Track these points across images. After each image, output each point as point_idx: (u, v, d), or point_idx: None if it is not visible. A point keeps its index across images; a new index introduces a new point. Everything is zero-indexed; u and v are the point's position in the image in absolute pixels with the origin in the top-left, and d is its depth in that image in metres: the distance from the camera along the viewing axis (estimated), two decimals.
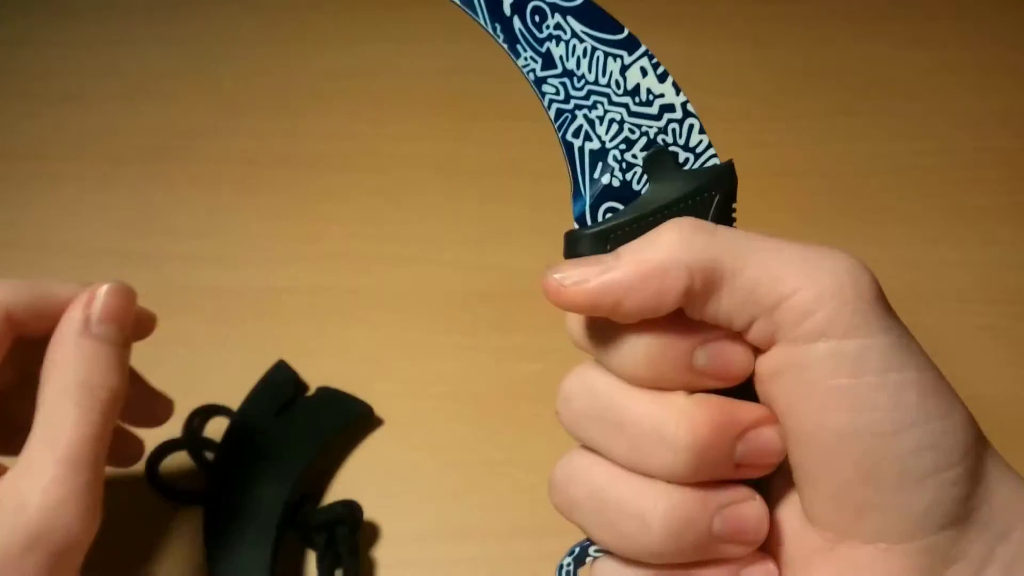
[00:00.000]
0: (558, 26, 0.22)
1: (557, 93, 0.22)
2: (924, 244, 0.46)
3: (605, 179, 0.22)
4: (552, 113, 0.22)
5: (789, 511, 0.21)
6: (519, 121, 0.52)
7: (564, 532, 0.36)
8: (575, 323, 0.22)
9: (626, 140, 0.22)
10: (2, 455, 0.28)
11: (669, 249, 0.19)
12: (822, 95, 0.53)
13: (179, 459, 0.36)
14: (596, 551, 0.22)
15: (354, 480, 0.38)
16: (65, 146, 0.50)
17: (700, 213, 0.21)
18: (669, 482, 0.20)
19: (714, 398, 0.20)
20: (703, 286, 0.19)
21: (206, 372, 0.40)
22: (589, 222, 0.22)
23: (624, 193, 0.21)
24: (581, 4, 0.22)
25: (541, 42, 0.22)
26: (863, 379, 0.19)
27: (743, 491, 0.20)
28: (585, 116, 0.22)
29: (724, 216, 0.21)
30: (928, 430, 0.18)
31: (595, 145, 0.22)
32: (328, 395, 0.39)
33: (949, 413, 0.19)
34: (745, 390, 0.20)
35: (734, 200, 0.22)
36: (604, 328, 0.21)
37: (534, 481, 0.38)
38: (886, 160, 0.50)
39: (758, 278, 0.19)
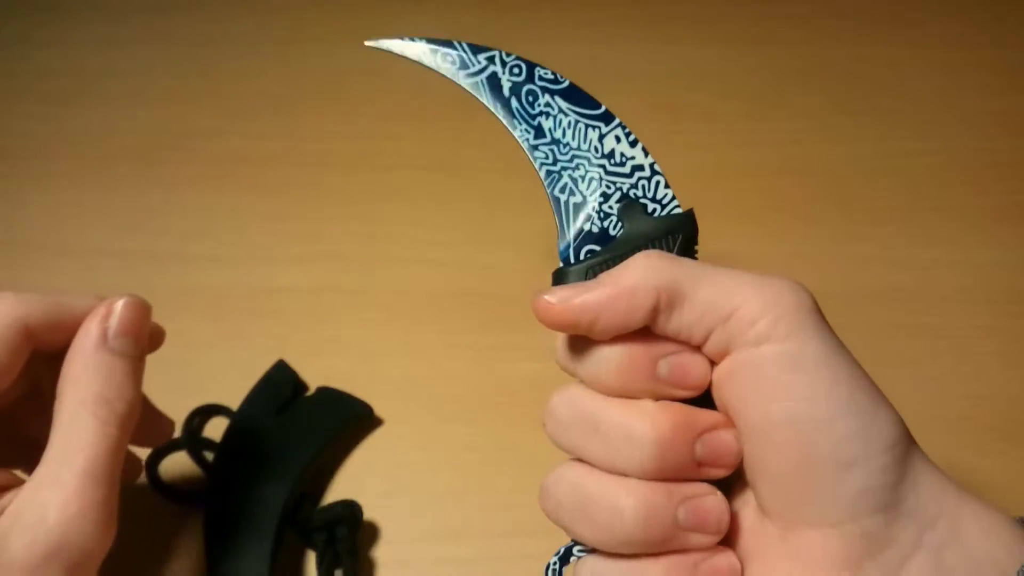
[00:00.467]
0: (548, 104, 0.27)
1: (547, 158, 0.26)
2: (923, 244, 0.46)
3: (586, 226, 0.26)
4: (542, 173, 0.26)
5: (747, 509, 0.24)
6: None
7: (563, 532, 0.36)
8: (560, 346, 0.25)
9: (603, 194, 0.26)
10: (12, 468, 0.28)
11: (639, 273, 0.23)
12: (821, 95, 0.53)
13: (179, 459, 0.36)
14: (580, 551, 0.25)
15: (354, 480, 0.38)
16: (65, 146, 0.50)
17: (666, 251, 0.25)
18: (639, 478, 0.22)
19: (677, 405, 0.23)
20: (667, 303, 0.22)
21: (206, 372, 0.40)
22: (572, 261, 0.26)
23: (602, 237, 0.26)
24: (567, 86, 0.27)
25: (534, 117, 0.27)
26: (800, 375, 0.22)
27: (705, 487, 0.23)
28: (570, 176, 0.26)
29: (687, 254, 0.25)
30: (857, 421, 0.21)
31: (578, 199, 0.26)
32: (328, 395, 0.39)
33: (876, 409, 0.22)
34: (705, 403, 0.24)
35: (695, 242, 0.26)
36: (582, 346, 0.24)
37: (534, 481, 0.37)
38: (885, 160, 0.50)
39: (713, 295, 0.22)
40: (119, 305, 0.27)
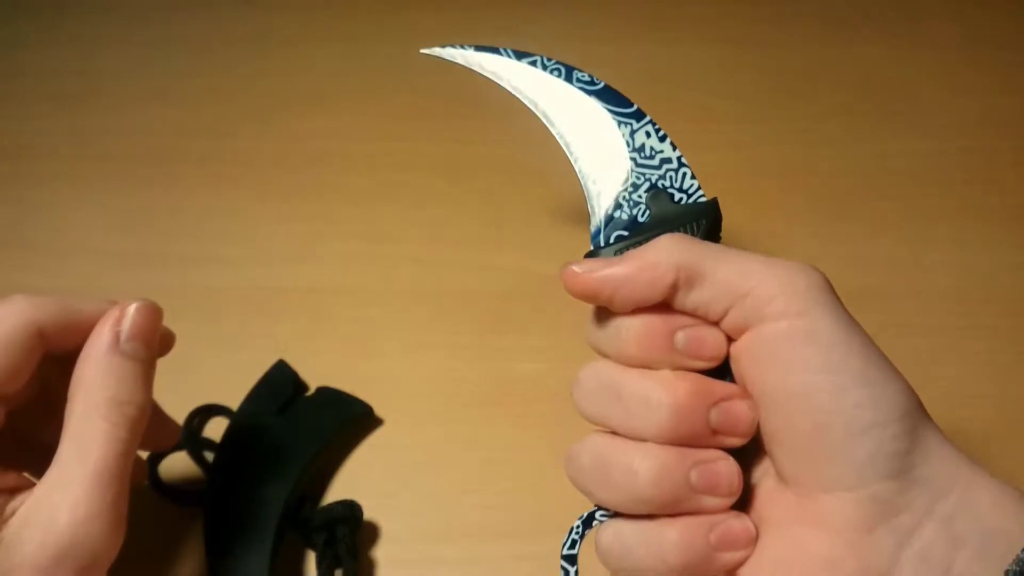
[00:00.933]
0: None
1: None
2: (923, 244, 0.46)
3: (616, 213, 0.28)
4: (578, 167, 0.29)
5: (765, 478, 0.25)
6: (519, 121, 0.52)
7: (564, 532, 0.36)
8: (589, 322, 0.27)
9: (633, 184, 0.28)
10: (22, 470, 0.28)
11: (662, 251, 0.24)
12: (820, 96, 0.53)
13: (179, 459, 0.36)
14: (602, 515, 0.26)
15: (354, 480, 0.38)
16: (66, 146, 0.50)
17: (690, 235, 0.26)
18: (656, 443, 0.24)
19: (694, 374, 0.25)
20: (686, 280, 0.24)
21: (206, 372, 0.40)
22: (603, 244, 0.28)
23: (630, 224, 0.28)
24: (603, 87, 0.31)
25: None
26: (815, 348, 0.23)
27: (717, 452, 0.24)
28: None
29: (711, 239, 0.27)
30: (869, 391, 0.22)
31: (610, 188, 0.28)
32: (328, 395, 0.39)
33: (888, 380, 0.23)
34: (724, 376, 0.25)
35: (719, 229, 0.27)
36: (606, 318, 0.26)
37: (534, 481, 0.38)
38: (884, 160, 0.50)
39: (731, 275, 0.24)
40: (131, 309, 0.27)
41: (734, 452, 0.25)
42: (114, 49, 0.56)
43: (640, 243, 0.26)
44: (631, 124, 0.29)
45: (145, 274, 0.44)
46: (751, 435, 0.25)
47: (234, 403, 0.38)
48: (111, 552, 0.25)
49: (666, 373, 0.24)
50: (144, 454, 0.35)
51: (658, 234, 0.26)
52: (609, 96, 0.30)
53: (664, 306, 0.25)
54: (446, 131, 0.51)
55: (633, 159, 0.29)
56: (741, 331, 0.24)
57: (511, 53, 0.30)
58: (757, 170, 0.49)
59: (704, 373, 0.25)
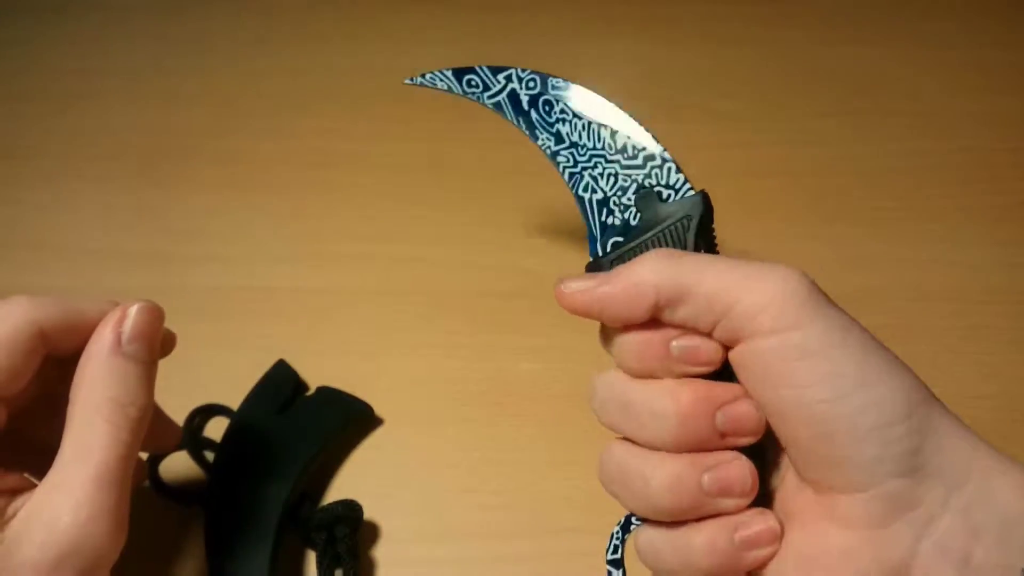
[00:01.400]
0: (563, 111, 0.29)
1: (568, 161, 0.29)
2: (923, 243, 0.46)
3: (609, 220, 0.28)
4: (565, 176, 0.29)
5: (789, 472, 0.26)
6: None
7: (563, 532, 0.36)
8: (599, 331, 0.27)
9: (621, 187, 0.28)
10: (23, 471, 0.28)
11: (641, 272, 0.24)
12: (821, 95, 0.53)
13: (179, 459, 0.36)
14: (636, 520, 0.27)
15: (354, 480, 0.38)
16: (65, 146, 0.50)
17: (681, 234, 0.27)
18: (667, 451, 0.24)
19: (697, 380, 0.25)
20: (667, 300, 0.24)
21: (206, 372, 0.40)
22: (600, 253, 0.28)
23: (624, 228, 0.28)
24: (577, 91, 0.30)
25: (552, 125, 0.29)
26: (807, 361, 0.23)
27: (729, 454, 0.25)
28: (590, 175, 0.29)
29: (704, 233, 0.27)
30: (869, 394, 0.22)
31: (599, 196, 0.28)
32: (328, 395, 0.39)
33: (889, 379, 0.23)
34: (728, 378, 0.25)
35: (711, 222, 0.27)
36: (608, 332, 0.26)
37: (534, 481, 0.38)
38: (885, 160, 0.50)
39: (713, 290, 0.24)
40: (133, 310, 0.27)
41: (754, 449, 0.25)
42: (114, 49, 0.56)
43: (635, 250, 0.27)
44: (610, 125, 0.29)
45: (145, 274, 0.44)
46: (760, 433, 0.25)
47: (234, 403, 0.38)
48: (113, 554, 0.25)
49: (668, 383, 0.25)
50: (144, 455, 0.35)
51: (649, 240, 0.26)
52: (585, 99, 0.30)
53: (657, 320, 0.25)
54: (446, 131, 0.51)
55: (617, 161, 0.28)
56: (733, 342, 0.24)
57: (486, 71, 0.30)
58: (757, 170, 0.49)
59: (710, 376, 0.25)
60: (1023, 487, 0.22)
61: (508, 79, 0.30)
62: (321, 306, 0.43)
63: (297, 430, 0.37)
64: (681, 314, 0.24)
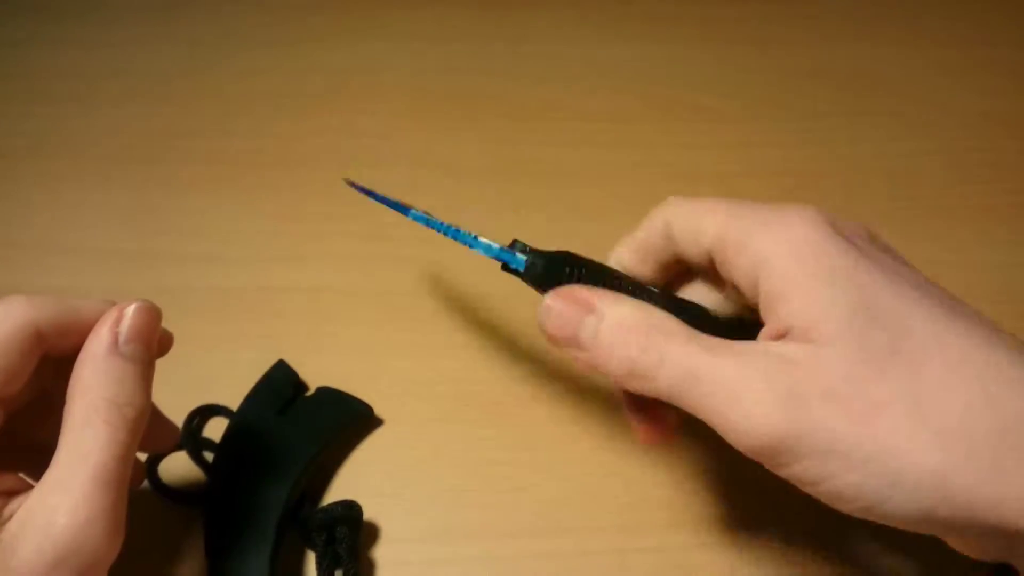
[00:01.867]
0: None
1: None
2: (923, 244, 0.46)
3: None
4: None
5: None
6: (519, 121, 0.52)
7: (563, 532, 0.36)
8: None
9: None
10: (16, 471, 0.28)
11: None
12: (822, 95, 0.53)
13: (178, 459, 0.36)
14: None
15: (354, 480, 0.38)
16: (65, 146, 0.50)
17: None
18: None
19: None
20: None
21: (206, 372, 0.40)
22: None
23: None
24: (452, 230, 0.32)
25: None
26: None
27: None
28: None
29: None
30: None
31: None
32: (328, 395, 0.39)
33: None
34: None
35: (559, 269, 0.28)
36: None
37: (534, 481, 0.38)
38: (885, 160, 0.50)
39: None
40: (130, 310, 0.27)
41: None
42: (114, 49, 0.56)
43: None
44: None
45: (145, 274, 0.44)
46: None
47: (234, 403, 0.38)
48: (110, 556, 0.25)
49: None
50: (143, 456, 0.35)
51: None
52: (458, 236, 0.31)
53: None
54: (446, 131, 0.51)
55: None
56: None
57: (414, 214, 0.32)
58: (757, 170, 0.49)
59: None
60: None
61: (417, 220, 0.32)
62: (321, 306, 0.43)
63: (297, 430, 0.37)
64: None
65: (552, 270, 0.27)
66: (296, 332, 0.42)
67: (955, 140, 0.51)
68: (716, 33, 0.57)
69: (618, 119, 0.52)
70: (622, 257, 0.30)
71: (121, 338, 0.26)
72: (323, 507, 0.34)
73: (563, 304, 0.26)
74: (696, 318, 0.28)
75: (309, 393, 0.39)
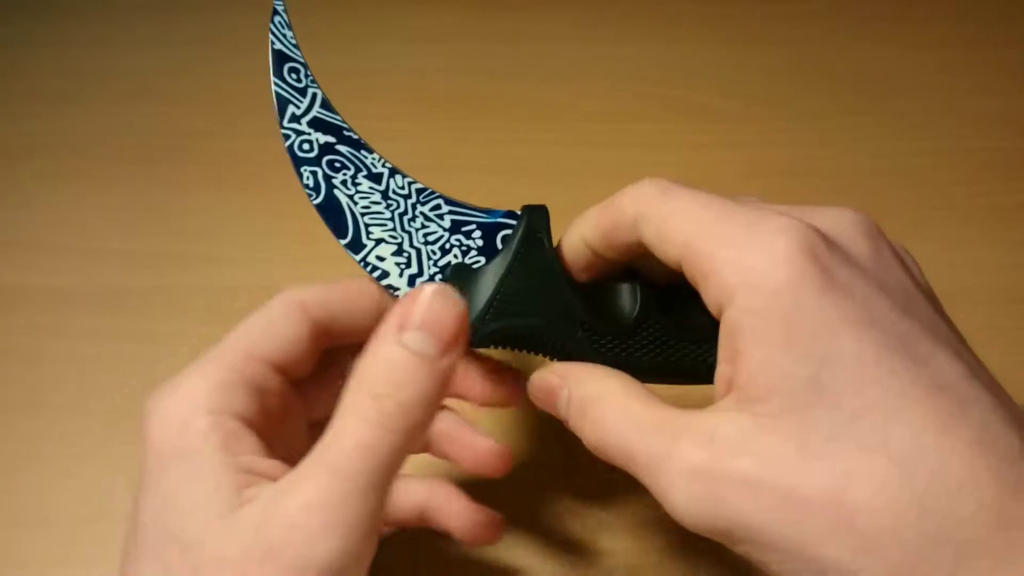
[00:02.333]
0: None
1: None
2: (923, 244, 0.45)
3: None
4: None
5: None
6: (519, 121, 0.52)
7: (563, 532, 0.36)
8: None
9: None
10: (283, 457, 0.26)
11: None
12: (822, 95, 0.53)
13: None
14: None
15: None
16: (65, 146, 0.50)
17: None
18: None
19: None
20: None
21: None
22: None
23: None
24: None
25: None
26: None
27: None
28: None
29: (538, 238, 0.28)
30: None
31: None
32: None
33: None
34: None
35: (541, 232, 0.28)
36: None
37: (534, 480, 0.37)
38: (886, 160, 0.50)
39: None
40: (425, 293, 0.23)
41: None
42: (114, 49, 0.56)
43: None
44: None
45: (145, 274, 0.44)
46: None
47: None
48: (345, 558, 0.21)
49: None
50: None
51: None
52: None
53: None
54: (445, 131, 0.51)
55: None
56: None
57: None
58: (757, 170, 0.49)
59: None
60: None
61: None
62: None
63: None
64: None
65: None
66: None
67: (955, 140, 0.51)
68: (716, 33, 0.57)
69: (618, 119, 0.52)
70: (585, 234, 0.28)
71: (408, 325, 0.23)
72: None
73: (543, 378, 0.27)
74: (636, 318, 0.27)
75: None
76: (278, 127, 0.30)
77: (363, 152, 0.29)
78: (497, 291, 0.27)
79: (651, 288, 0.27)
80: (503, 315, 0.26)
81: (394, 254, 0.28)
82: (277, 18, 0.28)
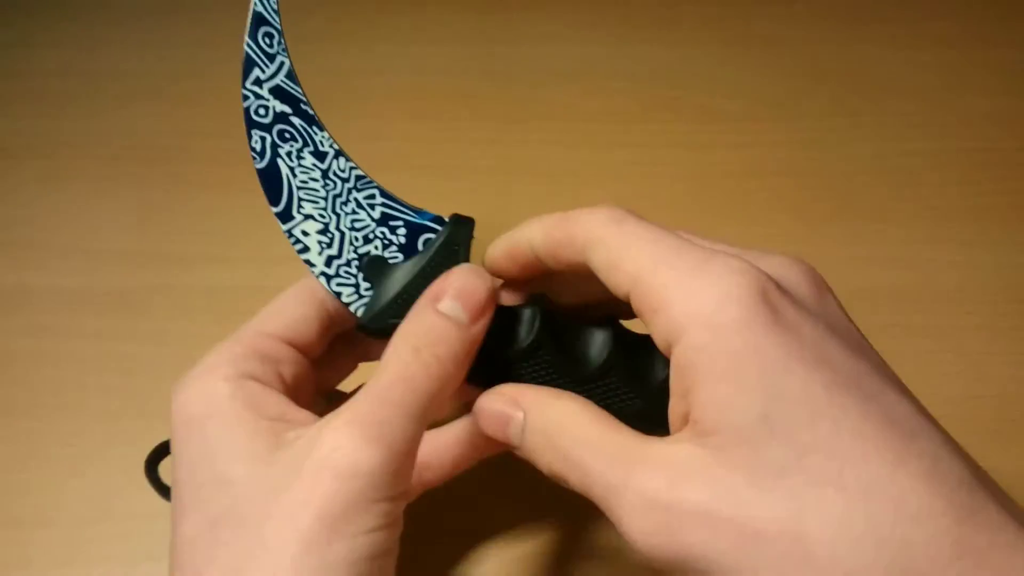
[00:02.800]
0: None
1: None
2: (924, 244, 0.46)
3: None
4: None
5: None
6: (519, 121, 0.52)
7: (563, 532, 0.36)
8: None
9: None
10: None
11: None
12: (822, 95, 0.53)
13: None
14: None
15: None
16: (67, 147, 0.50)
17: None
18: None
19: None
20: None
21: None
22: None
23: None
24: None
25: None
26: None
27: None
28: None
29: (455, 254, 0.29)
30: None
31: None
32: (329, 397, 0.39)
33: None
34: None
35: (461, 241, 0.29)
36: None
37: (534, 481, 0.37)
38: (886, 160, 0.50)
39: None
40: (460, 269, 0.27)
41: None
42: (114, 49, 0.56)
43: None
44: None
45: (146, 274, 0.44)
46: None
47: None
48: (379, 470, 0.22)
49: None
50: (139, 454, 0.35)
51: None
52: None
53: None
54: (445, 131, 0.51)
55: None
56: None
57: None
58: (757, 170, 0.49)
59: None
60: None
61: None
62: None
63: None
64: None
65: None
66: None
67: (955, 140, 0.51)
68: (716, 33, 0.57)
69: (618, 119, 0.52)
70: (535, 239, 0.29)
71: (445, 295, 0.26)
72: None
73: (490, 407, 0.27)
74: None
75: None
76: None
77: (315, 128, 0.29)
78: (404, 290, 0.28)
79: (551, 316, 0.28)
80: (404, 314, 0.27)
81: (319, 232, 0.29)
82: None
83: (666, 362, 0.23)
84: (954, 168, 0.49)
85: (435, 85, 0.54)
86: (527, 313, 0.28)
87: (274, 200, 0.30)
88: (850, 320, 0.24)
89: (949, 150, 0.50)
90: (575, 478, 0.24)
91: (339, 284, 0.29)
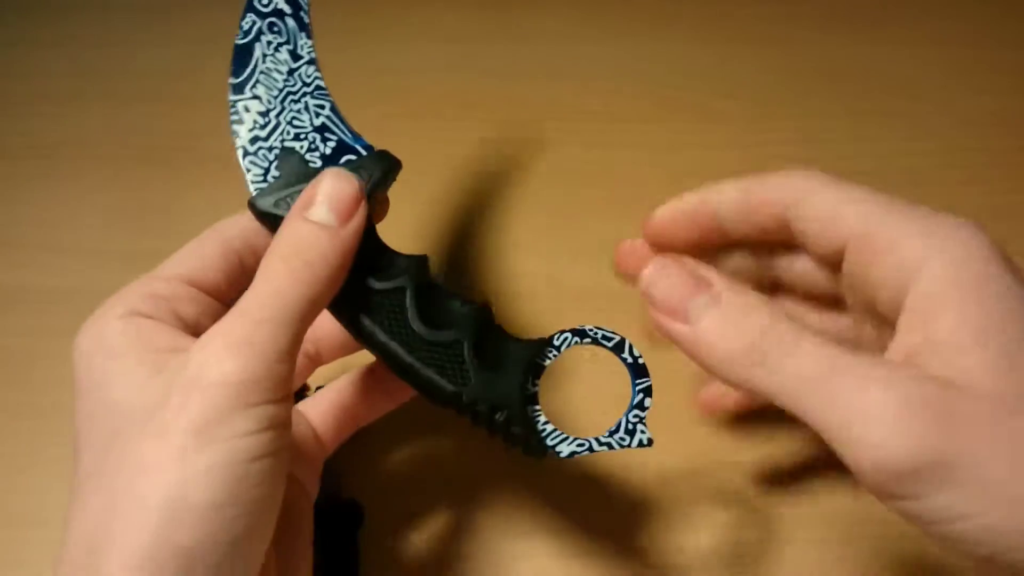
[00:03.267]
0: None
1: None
2: None
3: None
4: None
5: None
6: (519, 121, 0.52)
7: (563, 532, 0.36)
8: None
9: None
10: None
11: None
12: (822, 95, 0.53)
13: None
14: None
15: (354, 480, 0.38)
16: (67, 146, 0.50)
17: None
18: None
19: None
20: None
21: None
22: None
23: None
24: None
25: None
26: None
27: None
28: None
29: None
30: None
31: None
32: None
33: None
34: None
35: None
36: None
37: (535, 480, 0.38)
38: (886, 160, 0.50)
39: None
40: (325, 176, 0.27)
41: None
42: (113, 49, 0.56)
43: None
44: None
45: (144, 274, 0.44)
46: None
47: None
48: (235, 379, 0.23)
49: None
50: None
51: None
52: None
53: None
54: (446, 131, 0.51)
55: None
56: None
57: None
58: (757, 170, 0.49)
59: None
60: None
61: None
62: None
63: None
64: None
65: None
66: None
67: (955, 140, 0.51)
68: (717, 33, 0.57)
69: (619, 119, 0.52)
70: (722, 203, 0.30)
71: (308, 205, 0.27)
72: (324, 506, 0.34)
73: (679, 272, 0.25)
74: None
75: (309, 394, 0.39)
76: None
77: (303, 35, 0.32)
78: (299, 188, 0.28)
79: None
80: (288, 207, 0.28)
81: (259, 113, 0.31)
82: None
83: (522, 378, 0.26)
84: (954, 168, 0.49)
85: (435, 84, 0.54)
86: (412, 259, 0.29)
87: (236, 74, 0.32)
88: None
89: (949, 150, 0.50)
90: (783, 362, 0.22)
91: (252, 162, 0.30)
